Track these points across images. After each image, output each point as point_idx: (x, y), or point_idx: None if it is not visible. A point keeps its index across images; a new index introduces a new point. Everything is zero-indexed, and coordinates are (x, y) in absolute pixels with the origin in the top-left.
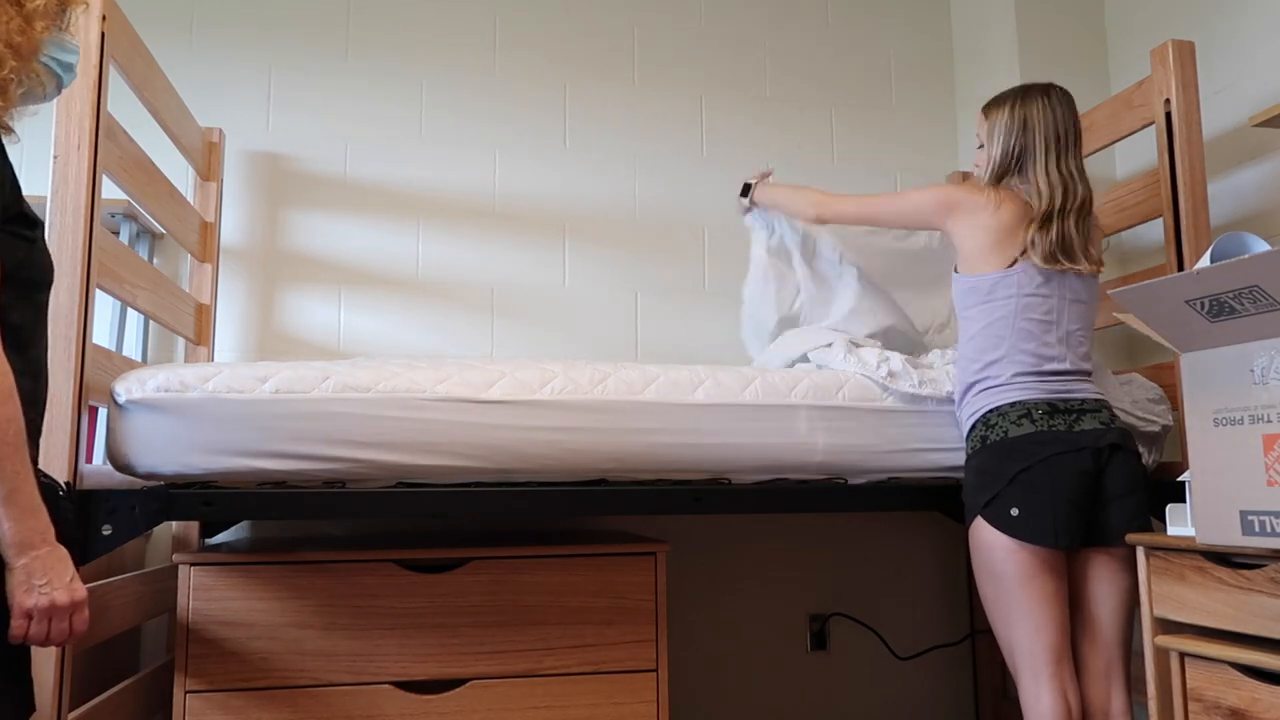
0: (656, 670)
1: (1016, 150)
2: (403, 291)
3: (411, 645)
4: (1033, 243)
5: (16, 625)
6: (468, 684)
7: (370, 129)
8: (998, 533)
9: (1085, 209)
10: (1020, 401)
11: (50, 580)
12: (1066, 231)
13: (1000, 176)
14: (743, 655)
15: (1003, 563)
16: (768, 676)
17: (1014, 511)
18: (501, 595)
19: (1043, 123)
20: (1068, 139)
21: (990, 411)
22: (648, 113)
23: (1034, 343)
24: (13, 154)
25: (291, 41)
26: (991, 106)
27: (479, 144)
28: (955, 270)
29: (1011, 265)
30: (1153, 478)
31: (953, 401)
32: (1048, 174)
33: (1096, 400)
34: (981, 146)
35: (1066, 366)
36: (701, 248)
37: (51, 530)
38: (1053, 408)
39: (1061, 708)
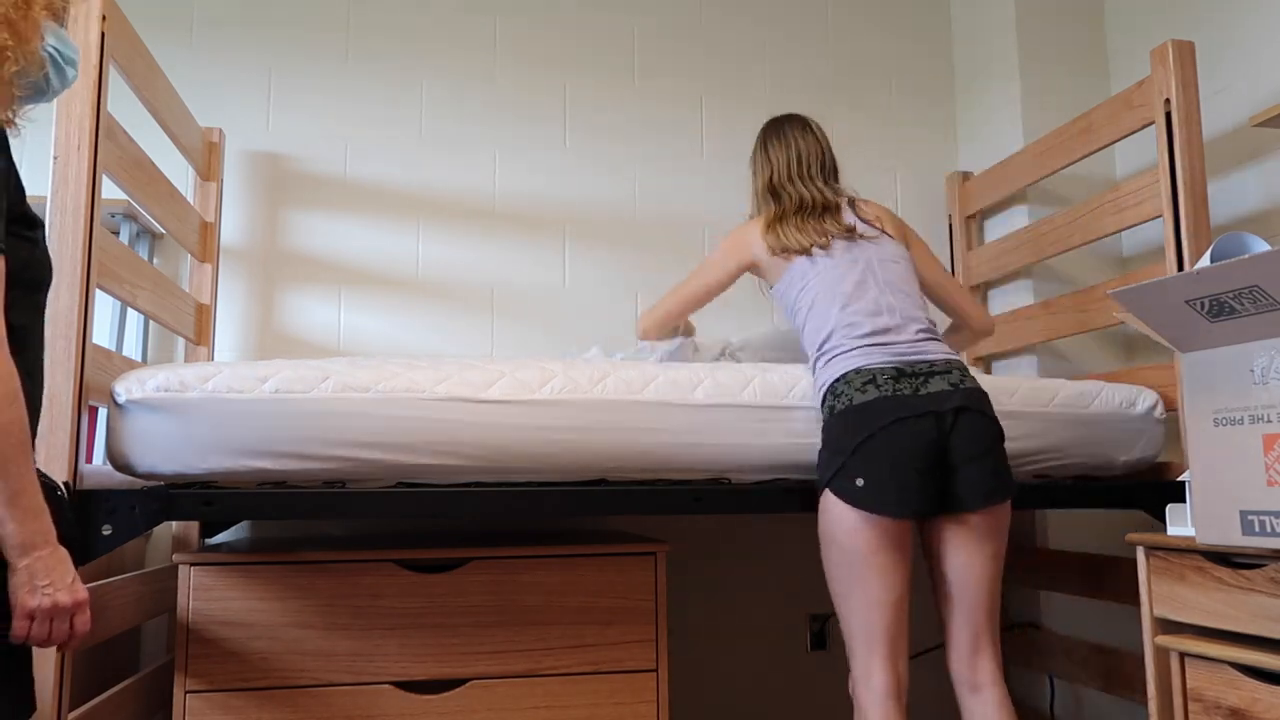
0: (656, 670)
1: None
2: (403, 291)
3: (411, 645)
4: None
5: (19, 626)
6: (468, 684)
7: (370, 129)
8: (844, 505)
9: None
10: (864, 367)
11: (53, 581)
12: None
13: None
14: (743, 655)
15: (847, 536)
16: (768, 676)
17: (859, 482)
18: (501, 595)
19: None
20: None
21: (837, 380)
22: (648, 113)
23: (856, 307)
24: (13, 153)
25: (291, 42)
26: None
27: (479, 144)
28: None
29: (790, 260)
30: (1151, 477)
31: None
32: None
33: (946, 361)
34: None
35: (901, 325)
36: (701, 248)
37: (54, 532)
38: (899, 372)
39: (893, 684)
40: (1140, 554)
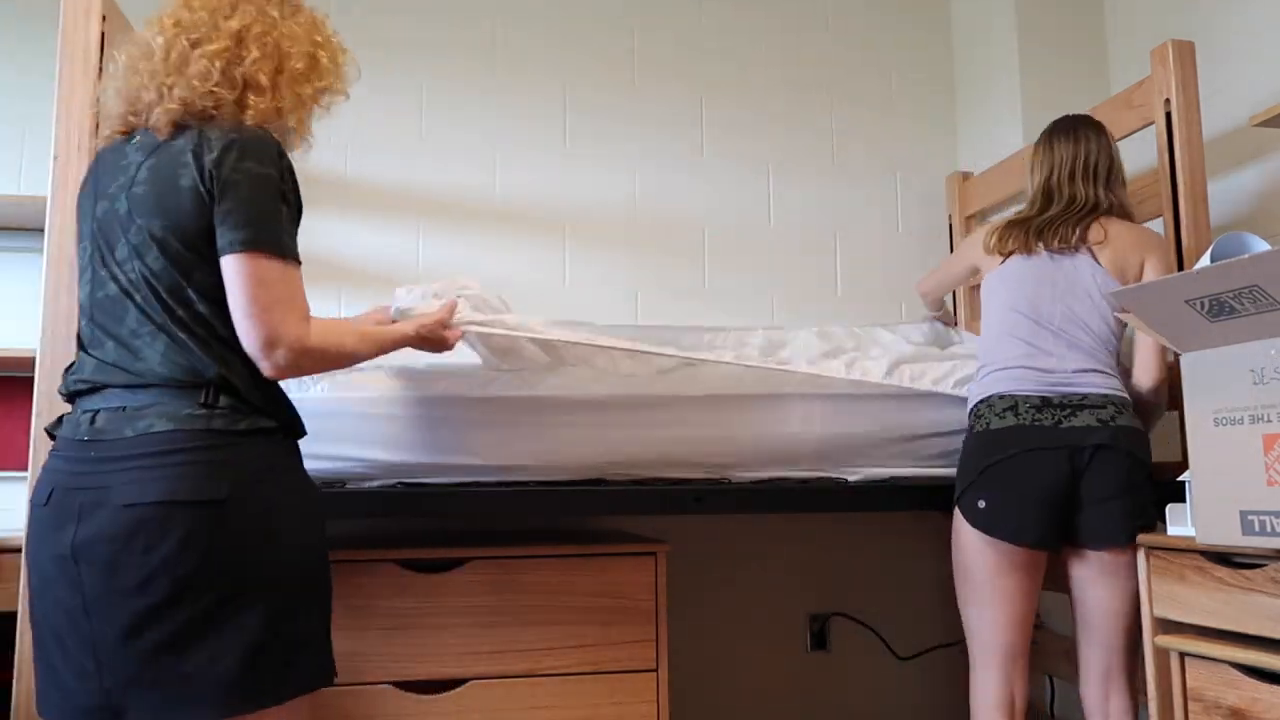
0: (656, 670)
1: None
2: None
3: (411, 645)
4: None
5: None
6: (468, 684)
7: (370, 129)
8: (965, 524)
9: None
10: (1008, 393)
11: (429, 322)
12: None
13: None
14: (743, 655)
15: (969, 554)
16: (768, 676)
17: (980, 504)
18: (501, 595)
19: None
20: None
21: (980, 402)
22: (648, 113)
23: (1024, 326)
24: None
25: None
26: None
27: (479, 144)
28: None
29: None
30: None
31: None
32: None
33: (1103, 396)
34: None
35: (1063, 354)
36: (701, 248)
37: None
38: (1045, 401)
39: (1004, 699)
40: (1140, 554)
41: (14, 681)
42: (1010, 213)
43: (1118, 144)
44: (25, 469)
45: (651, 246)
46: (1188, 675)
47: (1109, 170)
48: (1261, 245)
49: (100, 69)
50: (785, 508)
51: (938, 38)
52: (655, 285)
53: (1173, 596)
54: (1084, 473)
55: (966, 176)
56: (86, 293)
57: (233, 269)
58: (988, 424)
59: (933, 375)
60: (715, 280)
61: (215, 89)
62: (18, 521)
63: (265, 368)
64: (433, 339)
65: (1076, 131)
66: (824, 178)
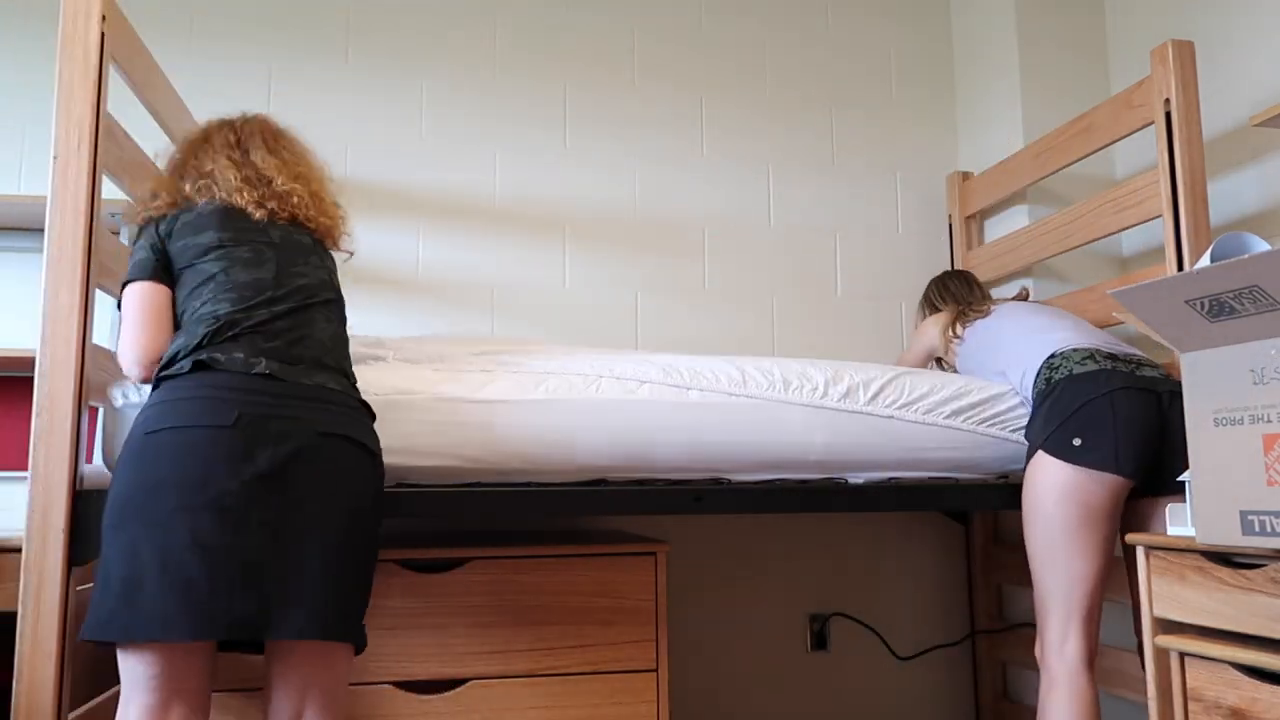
0: (656, 670)
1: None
2: (403, 291)
3: (411, 645)
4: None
5: None
6: (468, 684)
7: (370, 129)
8: (1061, 465)
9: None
10: (1083, 347)
11: None
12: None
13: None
14: (743, 655)
15: (1061, 502)
16: (768, 676)
17: (1076, 441)
18: (501, 595)
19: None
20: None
21: (1054, 355)
22: (648, 113)
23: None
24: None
25: (291, 41)
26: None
27: (479, 144)
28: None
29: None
30: None
31: None
32: None
33: (1151, 362)
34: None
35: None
36: (701, 248)
37: None
38: (1113, 355)
39: (1088, 653)
40: (1140, 554)
41: (14, 682)
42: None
43: (1117, 144)
44: (25, 469)
45: (651, 246)
46: (1188, 675)
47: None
48: (1261, 245)
49: (100, 69)
50: (785, 508)
51: (938, 38)
52: (655, 285)
53: (1173, 596)
54: (1169, 416)
55: (966, 176)
56: (273, 274)
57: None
58: (1069, 371)
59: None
60: (715, 280)
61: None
62: (17, 521)
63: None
64: None
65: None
66: (824, 178)
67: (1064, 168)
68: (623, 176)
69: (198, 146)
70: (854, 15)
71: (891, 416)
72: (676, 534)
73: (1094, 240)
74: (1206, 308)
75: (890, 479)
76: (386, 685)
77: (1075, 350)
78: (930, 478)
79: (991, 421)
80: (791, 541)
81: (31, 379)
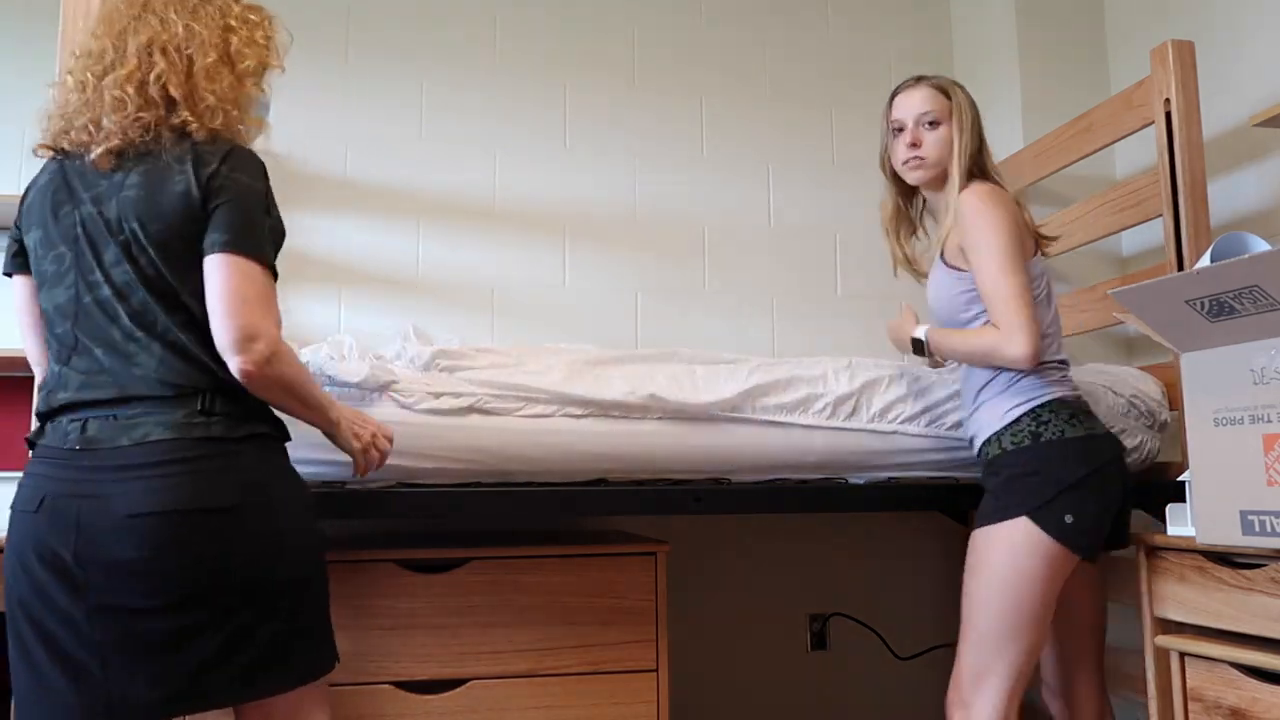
0: (656, 670)
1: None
2: (403, 291)
3: (411, 645)
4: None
5: (360, 463)
6: (468, 684)
7: (370, 129)
8: (1044, 538)
9: None
10: (1067, 399)
11: (360, 422)
12: None
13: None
14: (743, 655)
15: (1038, 570)
16: (768, 676)
17: (1068, 519)
18: (501, 595)
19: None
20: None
21: (1041, 406)
22: (648, 113)
23: (1055, 329)
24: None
25: (292, 41)
26: (950, 85)
27: (479, 144)
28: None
29: (1035, 254)
30: (1151, 477)
31: None
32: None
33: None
34: (935, 124)
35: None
36: (701, 248)
37: (338, 405)
38: (1085, 407)
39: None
40: (1140, 554)
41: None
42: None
43: (1117, 144)
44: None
45: (651, 246)
46: (1188, 675)
47: None
48: (1261, 245)
49: None
50: (785, 508)
51: (938, 38)
52: (655, 285)
53: (1173, 596)
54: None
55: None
56: (67, 298)
57: (214, 266)
58: (1061, 432)
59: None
60: (715, 280)
61: (140, 114)
62: None
63: (239, 363)
64: (351, 446)
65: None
66: (824, 178)
67: (1064, 168)
68: (623, 176)
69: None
70: (854, 15)
71: (895, 431)
72: (676, 534)
73: (1094, 240)
74: (1206, 308)
75: (890, 479)
76: (386, 685)
77: (1062, 404)
78: (930, 478)
79: None
80: (791, 541)
81: (31, 379)
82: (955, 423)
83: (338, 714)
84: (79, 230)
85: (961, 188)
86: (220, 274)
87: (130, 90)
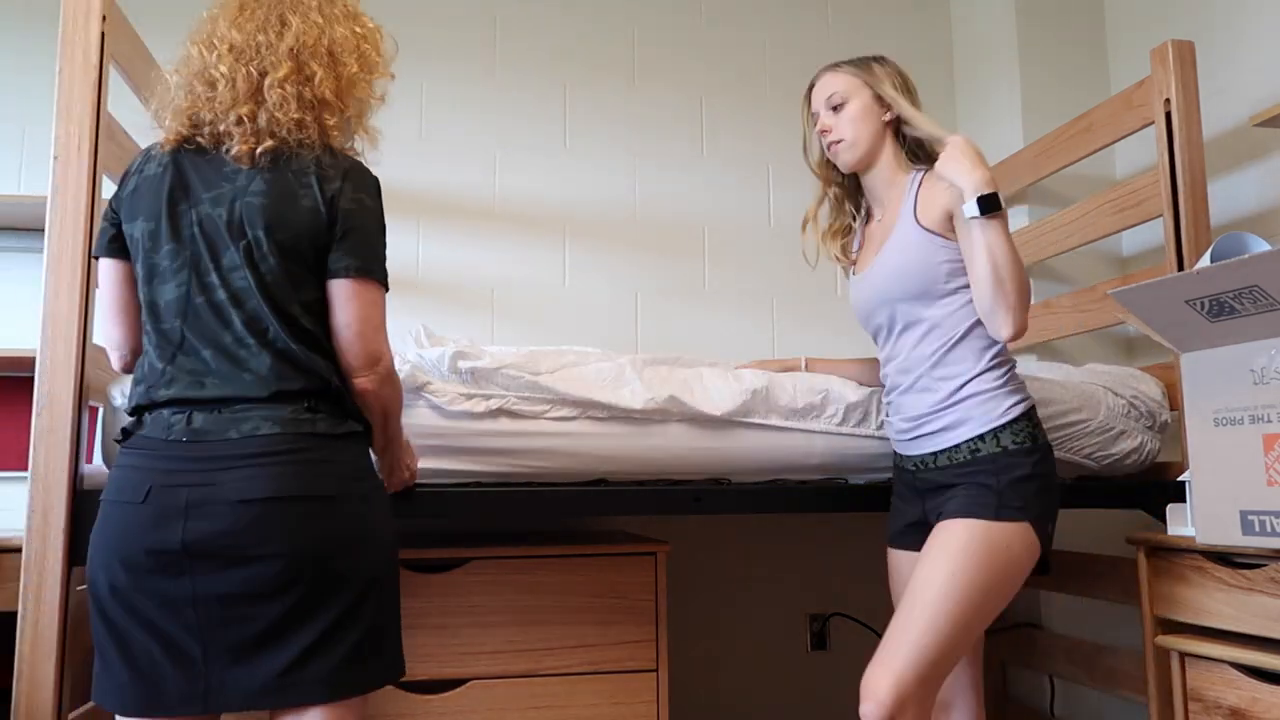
0: (656, 670)
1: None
2: (403, 291)
3: (411, 645)
4: None
5: (395, 486)
6: (468, 684)
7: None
8: (1035, 546)
9: None
10: (1035, 405)
11: (412, 453)
12: None
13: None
14: (743, 655)
15: (1020, 575)
16: (768, 676)
17: (1050, 528)
18: (501, 595)
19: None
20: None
21: (1031, 408)
22: (648, 113)
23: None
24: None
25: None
26: (859, 61)
27: (479, 144)
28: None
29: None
30: (1151, 477)
31: None
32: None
33: None
34: (842, 105)
35: None
36: (701, 248)
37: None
38: None
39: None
40: (1140, 554)
41: (14, 682)
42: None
43: (1117, 144)
44: (25, 469)
45: (651, 246)
46: (1188, 675)
47: None
48: (1261, 245)
49: (100, 69)
50: (785, 508)
51: (938, 38)
52: (655, 285)
53: (1173, 596)
54: None
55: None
56: (178, 295)
57: (348, 292)
58: (1047, 439)
59: None
60: (715, 280)
61: (298, 115)
62: (18, 521)
63: (364, 381)
64: (399, 470)
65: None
66: None
67: (1064, 168)
68: (623, 176)
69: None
70: (854, 15)
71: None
72: (676, 534)
73: (1094, 240)
74: (1206, 308)
75: (890, 479)
76: (386, 685)
77: (1035, 409)
78: None
79: None
80: (791, 541)
81: (31, 379)
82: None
83: None
84: (196, 230)
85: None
86: (354, 300)
87: (290, 90)
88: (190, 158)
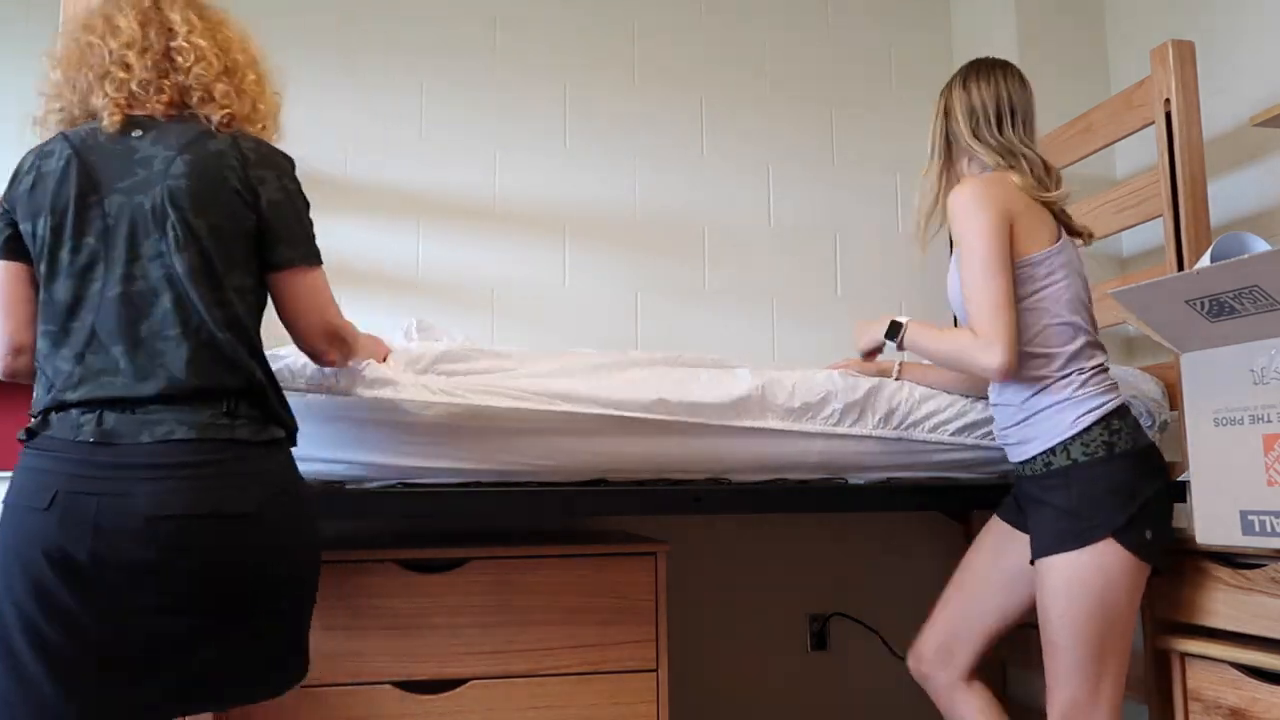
0: (656, 670)
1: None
2: (403, 291)
3: (411, 645)
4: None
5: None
6: (468, 684)
7: (370, 129)
8: (1129, 558)
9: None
10: (1129, 405)
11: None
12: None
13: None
14: (743, 655)
15: (1125, 591)
16: (768, 676)
17: (1148, 534)
18: (501, 595)
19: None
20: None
21: (1111, 414)
22: (648, 113)
23: (1094, 330)
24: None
25: (291, 41)
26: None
27: (479, 144)
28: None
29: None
30: None
31: None
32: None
33: None
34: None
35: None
36: (701, 248)
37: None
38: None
39: None
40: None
41: None
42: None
43: (1117, 144)
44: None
45: (651, 246)
46: (1188, 675)
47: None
48: (1261, 245)
49: None
50: (785, 508)
51: (938, 38)
52: (655, 285)
53: (1172, 596)
54: None
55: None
56: (89, 291)
57: (298, 281)
58: (1134, 442)
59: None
60: (715, 280)
61: (179, 82)
62: None
63: (332, 359)
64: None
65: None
66: (824, 178)
67: (1064, 168)
68: (623, 176)
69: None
70: (854, 15)
71: (900, 438)
72: (676, 534)
73: (1094, 240)
74: (1206, 308)
75: (890, 479)
76: (386, 685)
77: (1129, 408)
78: (930, 478)
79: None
80: (791, 541)
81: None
82: (959, 428)
83: (338, 714)
84: (107, 221)
85: (951, 185)
86: (305, 288)
87: (168, 62)
88: (89, 144)
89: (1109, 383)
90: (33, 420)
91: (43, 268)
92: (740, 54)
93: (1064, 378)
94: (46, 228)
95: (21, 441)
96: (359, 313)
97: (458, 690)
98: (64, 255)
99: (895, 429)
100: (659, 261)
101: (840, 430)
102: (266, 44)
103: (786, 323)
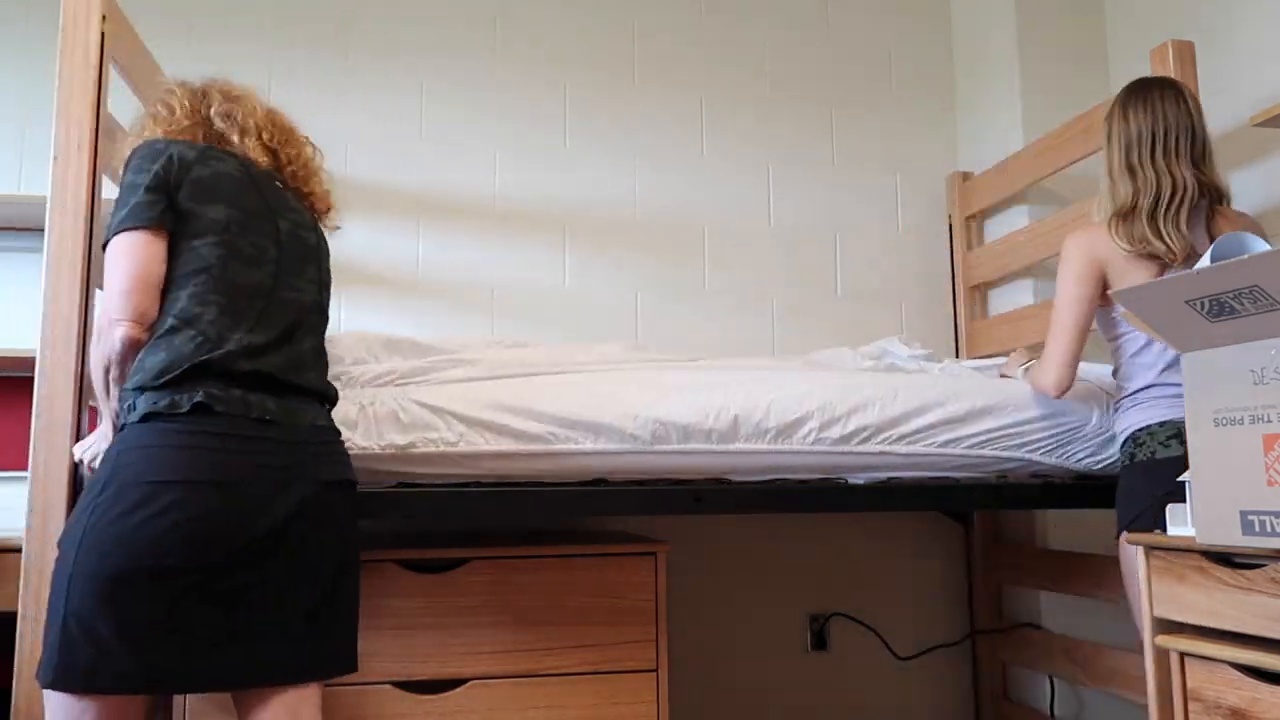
0: (656, 670)
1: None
2: (402, 291)
3: (411, 645)
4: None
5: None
6: (468, 684)
7: (370, 129)
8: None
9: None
10: (1170, 420)
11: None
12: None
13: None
14: (743, 655)
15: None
16: (768, 676)
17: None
18: (501, 595)
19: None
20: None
21: (1141, 430)
22: (648, 113)
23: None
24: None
25: (291, 41)
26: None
27: (479, 144)
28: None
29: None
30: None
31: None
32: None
33: None
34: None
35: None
36: (701, 248)
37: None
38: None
39: None
40: (1140, 554)
41: (14, 683)
42: (1106, 202)
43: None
44: (25, 469)
45: (651, 246)
46: (1188, 675)
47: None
48: (1261, 245)
49: (100, 69)
50: (785, 508)
51: (938, 38)
52: (655, 285)
53: (1173, 596)
54: None
55: (966, 176)
56: (264, 285)
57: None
58: (1153, 453)
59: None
60: (715, 280)
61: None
62: (17, 521)
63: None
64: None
65: (1148, 96)
66: (824, 178)
67: (1064, 168)
68: (623, 176)
69: (200, 91)
70: (854, 15)
71: (884, 452)
72: (676, 534)
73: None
74: (1206, 308)
75: (890, 479)
76: (386, 685)
77: (1162, 425)
78: (930, 478)
79: (985, 443)
80: (791, 541)
81: (31, 379)
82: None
83: (338, 714)
84: (282, 238)
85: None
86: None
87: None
88: (257, 176)
89: (1153, 405)
90: (161, 388)
91: (215, 249)
92: (740, 54)
93: (1121, 394)
94: (229, 216)
95: (152, 418)
96: (359, 312)
97: (458, 690)
98: (244, 245)
99: (878, 444)
100: (659, 261)
101: (820, 449)
102: (268, 44)
103: (786, 323)
